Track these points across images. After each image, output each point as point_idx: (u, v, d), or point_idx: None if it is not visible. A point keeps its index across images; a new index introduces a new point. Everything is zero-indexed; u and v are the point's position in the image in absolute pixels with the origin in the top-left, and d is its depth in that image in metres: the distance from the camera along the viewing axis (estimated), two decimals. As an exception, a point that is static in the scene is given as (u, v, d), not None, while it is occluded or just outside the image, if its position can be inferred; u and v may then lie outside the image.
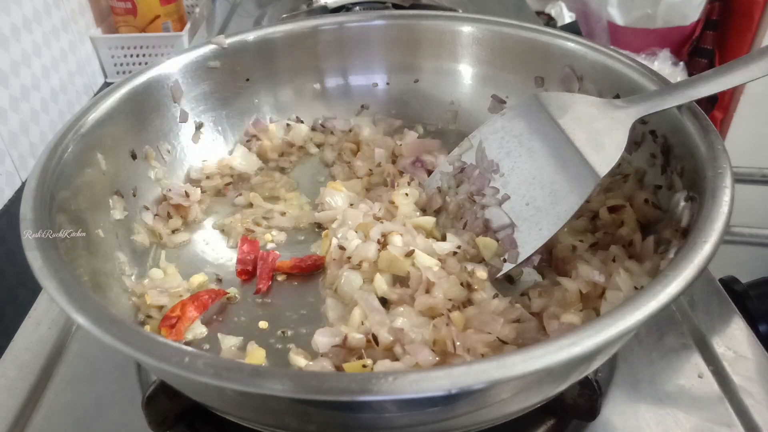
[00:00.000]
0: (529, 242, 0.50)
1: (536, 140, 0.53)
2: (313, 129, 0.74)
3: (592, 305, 0.47)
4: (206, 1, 1.33)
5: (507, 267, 0.51)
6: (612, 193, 0.57)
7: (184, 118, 0.66)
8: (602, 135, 0.49)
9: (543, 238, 0.49)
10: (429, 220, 0.56)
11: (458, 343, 0.42)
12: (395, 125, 0.74)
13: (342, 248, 0.53)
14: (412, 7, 1.04)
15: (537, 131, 0.53)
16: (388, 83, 0.75)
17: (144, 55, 1.15)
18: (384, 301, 0.49)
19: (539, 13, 1.47)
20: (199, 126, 0.68)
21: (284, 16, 1.09)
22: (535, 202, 0.51)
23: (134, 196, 0.59)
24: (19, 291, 0.81)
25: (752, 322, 0.54)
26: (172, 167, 0.65)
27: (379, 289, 0.49)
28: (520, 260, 0.50)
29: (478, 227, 0.53)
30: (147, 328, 0.50)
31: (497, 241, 0.52)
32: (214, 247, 0.61)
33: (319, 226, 0.61)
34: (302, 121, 0.74)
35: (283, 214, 0.63)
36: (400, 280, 0.51)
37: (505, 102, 0.70)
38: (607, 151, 0.48)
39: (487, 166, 0.55)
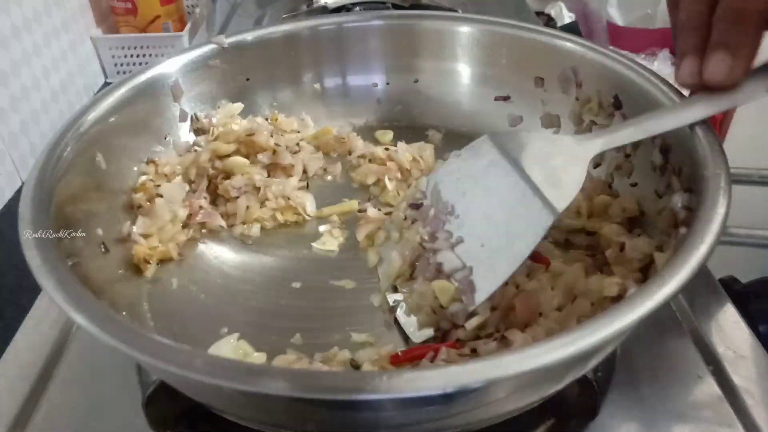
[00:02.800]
0: (486, 285, 0.47)
1: (492, 179, 0.51)
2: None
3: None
4: (206, 2, 1.33)
5: (464, 311, 0.48)
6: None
7: (183, 117, 0.66)
8: (560, 171, 0.48)
9: (500, 280, 0.46)
10: None
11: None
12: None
13: None
14: (412, 7, 1.04)
15: (492, 170, 0.52)
16: (387, 83, 0.75)
17: (144, 55, 1.16)
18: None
19: (539, 14, 1.47)
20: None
21: (284, 16, 1.09)
22: (490, 243, 0.48)
23: (134, 194, 0.59)
24: (19, 291, 0.81)
25: (752, 322, 0.54)
26: (172, 167, 0.65)
27: None
28: (477, 303, 0.47)
29: (429, 273, 0.50)
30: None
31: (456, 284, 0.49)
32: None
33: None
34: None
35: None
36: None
37: (509, 98, 0.70)
38: (564, 187, 0.47)
39: (442, 209, 0.53)
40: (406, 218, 0.56)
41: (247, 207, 0.62)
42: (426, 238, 0.52)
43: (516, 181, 0.50)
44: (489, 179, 0.52)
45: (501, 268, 0.47)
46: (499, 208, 0.50)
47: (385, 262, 0.55)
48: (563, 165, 0.49)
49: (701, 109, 0.46)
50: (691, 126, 0.47)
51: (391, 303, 0.52)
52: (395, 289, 0.53)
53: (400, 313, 0.51)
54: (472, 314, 0.47)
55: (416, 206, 0.55)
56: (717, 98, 0.45)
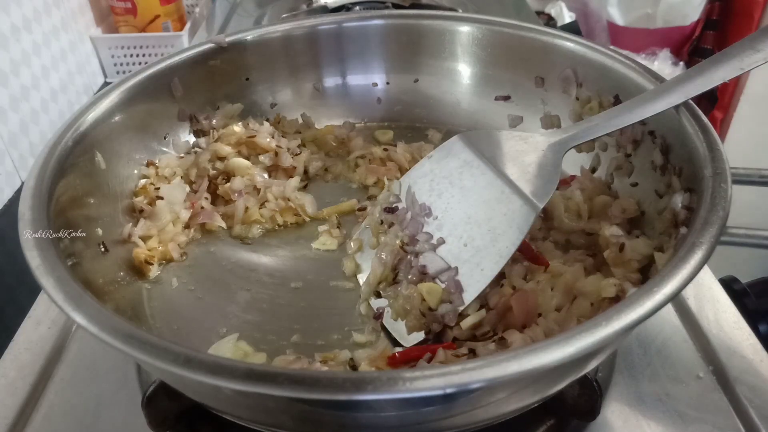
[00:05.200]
0: (473, 284, 0.48)
1: (467, 179, 0.52)
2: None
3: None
4: (206, 1, 1.33)
5: (454, 311, 0.48)
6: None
7: (183, 117, 0.66)
8: (534, 167, 0.49)
9: (487, 278, 0.47)
10: None
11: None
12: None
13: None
14: (412, 6, 1.05)
15: (467, 170, 0.52)
16: (387, 83, 0.75)
17: (144, 55, 1.16)
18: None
19: (539, 13, 1.47)
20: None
21: (284, 15, 1.09)
22: (473, 242, 0.49)
23: (134, 196, 0.59)
24: (19, 291, 0.81)
25: (752, 322, 0.54)
26: (172, 167, 0.65)
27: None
28: (467, 303, 0.47)
29: (414, 276, 0.50)
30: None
31: (442, 285, 0.49)
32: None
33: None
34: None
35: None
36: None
37: (509, 98, 0.70)
38: (541, 183, 0.48)
39: (419, 211, 0.53)
40: (382, 222, 0.55)
41: (246, 208, 0.62)
42: (406, 241, 0.52)
43: (493, 180, 0.50)
44: (465, 179, 0.52)
45: (487, 266, 0.47)
46: (478, 207, 0.50)
47: (364, 270, 0.55)
48: (537, 162, 0.49)
49: (666, 101, 0.48)
50: (685, 119, 0.47)
51: (375, 309, 0.52)
52: (378, 295, 0.52)
53: (387, 319, 0.50)
54: (462, 314, 0.47)
55: (391, 210, 0.55)
56: (681, 87, 0.47)
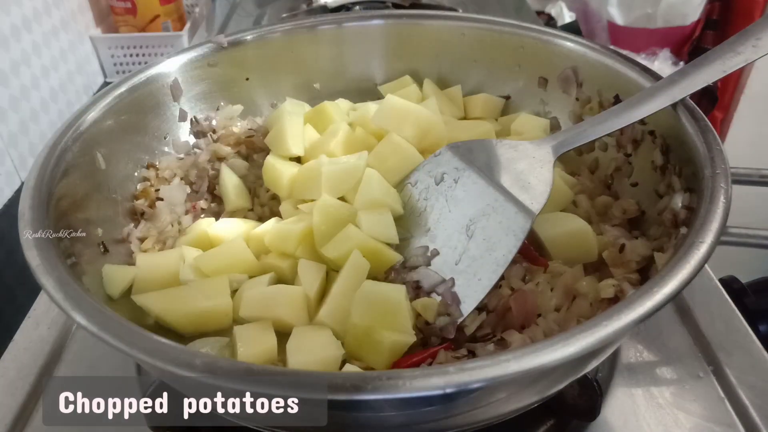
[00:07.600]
0: (471, 294, 0.47)
1: (459, 189, 0.51)
2: None
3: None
4: (206, 1, 1.33)
5: (452, 323, 0.47)
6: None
7: (183, 117, 0.66)
8: (527, 174, 0.49)
9: (485, 288, 0.47)
10: None
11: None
12: None
13: None
14: (412, 6, 1.05)
15: (458, 180, 0.52)
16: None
17: (144, 55, 1.16)
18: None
19: (539, 13, 1.47)
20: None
21: (284, 15, 1.09)
22: (469, 252, 0.48)
23: (135, 199, 0.59)
24: (18, 291, 0.81)
25: (752, 321, 0.54)
26: (171, 166, 0.65)
27: None
28: (465, 314, 0.47)
29: (409, 292, 0.49)
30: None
31: (438, 298, 0.48)
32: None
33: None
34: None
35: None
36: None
37: (509, 98, 0.70)
38: (535, 189, 0.48)
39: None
40: None
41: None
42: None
43: (485, 188, 0.50)
44: (456, 189, 0.52)
45: (485, 275, 0.47)
46: (471, 216, 0.50)
47: None
48: (529, 168, 0.49)
49: (657, 103, 0.48)
50: (685, 119, 0.47)
51: None
52: None
53: None
54: (460, 326, 0.47)
55: None
56: (670, 89, 0.48)
